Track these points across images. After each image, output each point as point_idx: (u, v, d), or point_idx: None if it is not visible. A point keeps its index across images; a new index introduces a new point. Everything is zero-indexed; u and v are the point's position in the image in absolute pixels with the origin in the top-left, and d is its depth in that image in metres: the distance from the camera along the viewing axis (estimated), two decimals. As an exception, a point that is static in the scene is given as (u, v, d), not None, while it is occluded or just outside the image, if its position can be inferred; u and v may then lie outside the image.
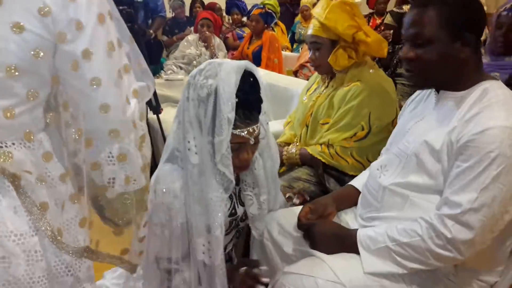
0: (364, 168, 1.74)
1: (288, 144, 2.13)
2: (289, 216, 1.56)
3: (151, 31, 4.29)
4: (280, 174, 1.94)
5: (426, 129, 1.29)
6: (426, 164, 1.25)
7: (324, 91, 1.99)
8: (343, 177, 1.88)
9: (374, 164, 1.49)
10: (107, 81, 0.86)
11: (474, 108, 1.19)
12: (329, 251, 1.36)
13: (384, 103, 1.87)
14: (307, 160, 1.93)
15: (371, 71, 1.93)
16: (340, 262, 1.31)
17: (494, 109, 1.16)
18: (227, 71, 1.26)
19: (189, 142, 1.31)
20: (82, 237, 0.94)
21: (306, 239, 1.46)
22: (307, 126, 2.00)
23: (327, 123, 1.92)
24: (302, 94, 2.16)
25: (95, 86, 0.84)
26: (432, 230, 1.18)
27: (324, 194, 1.87)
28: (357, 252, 1.31)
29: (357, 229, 1.37)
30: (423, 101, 1.43)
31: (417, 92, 1.48)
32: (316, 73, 2.17)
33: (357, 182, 1.59)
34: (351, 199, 1.56)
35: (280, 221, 1.57)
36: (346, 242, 1.35)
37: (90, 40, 0.83)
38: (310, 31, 1.94)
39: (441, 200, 1.22)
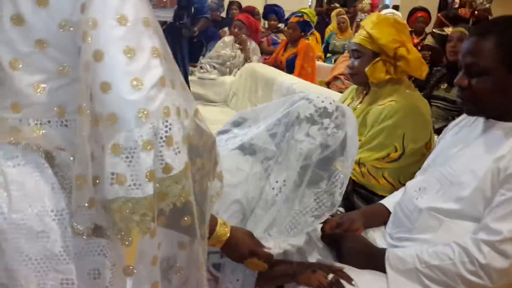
0: (395, 189, 1.72)
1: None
2: (317, 226, 1.56)
3: (195, 29, 4.34)
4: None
5: (472, 157, 1.28)
6: (468, 192, 1.23)
7: (359, 106, 1.98)
8: (371, 197, 1.86)
9: (411, 184, 1.47)
10: (111, 55, 0.77)
11: None
12: (356, 267, 1.34)
13: (419, 125, 1.84)
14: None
15: (407, 91, 1.91)
16: (365, 275, 1.30)
17: None
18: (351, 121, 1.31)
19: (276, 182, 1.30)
20: None
21: (331, 251, 1.45)
22: None
23: (359, 140, 1.91)
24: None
25: (96, 61, 0.76)
26: (466, 255, 1.17)
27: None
28: (384, 271, 1.29)
29: (385, 248, 1.35)
30: (467, 126, 1.41)
31: (462, 116, 1.47)
32: (351, 88, 2.17)
33: (388, 202, 1.57)
34: (380, 217, 1.54)
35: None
36: (374, 260, 1.33)
37: (97, 9, 0.77)
38: (354, 39, 1.96)
39: (479, 226, 1.20)
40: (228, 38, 4.65)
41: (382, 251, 1.33)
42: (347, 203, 1.88)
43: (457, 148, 1.36)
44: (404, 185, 1.55)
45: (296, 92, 3.10)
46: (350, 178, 1.83)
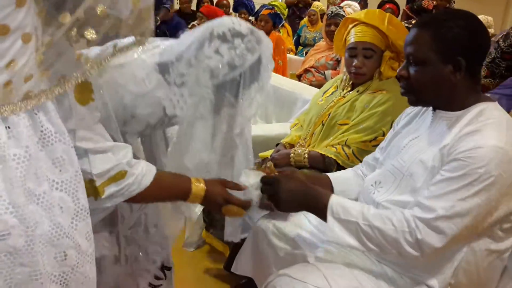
0: None
1: (292, 145, 2.15)
2: (287, 217, 1.58)
3: (157, 18, 4.31)
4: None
5: (421, 148, 1.31)
6: (420, 183, 1.27)
7: (348, 94, 2.00)
8: None
9: (368, 178, 1.50)
10: None
11: (468, 127, 1.22)
12: (291, 209, 1.37)
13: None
14: (317, 162, 1.92)
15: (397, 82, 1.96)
16: (334, 270, 1.32)
17: (488, 129, 1.19)
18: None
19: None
20: None
21: (270, 200, 1.37)
22: (323, 125, 2.00)
23: (345, 124, 1.93)
24: (316, 96, 2.16)
25: None
26: (407, 225, 1.21)
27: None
28: (322, 217, 1.30)
29: (330, 193, 1.34)
30: (417, 117, 1.44)
31: (411, 107, 1.50)
32: (334, 78, 2.19)
33: (334, 176, 1.61)
34: (322, 186, 1.52)
35: (276, 223, 1.57)
36: (313, 203, 1.32)
37: None
38: (365, 38, 1.91)
39: (415, 201, 1.24)
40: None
41: (326, 196, 1.32)
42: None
43: (407, 139, 1.40)
44: None
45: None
46: (335, 161, 1.85)
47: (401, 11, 6.31)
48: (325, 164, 1.90)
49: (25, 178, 0.83)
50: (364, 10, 2.01)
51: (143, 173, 1.16)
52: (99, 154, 1.09)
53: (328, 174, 1.62)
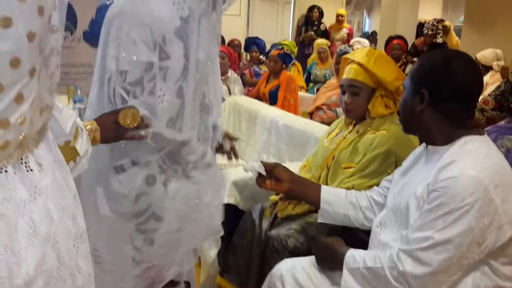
0: None
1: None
2: (302, 264, 1.58)
3: None
4: (293, 217, 1.96)
5: (416, 183, 1.34)
6: (413, 218, 1.29)
7: (348, 136, 2.01)
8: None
9: (375, 221, 1.52)
10: None
11: (450, 158, 1.25)
12: (330, 270, 1.47)
13: (409, 152, 1.89)
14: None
15: (398, 121, 1.96)
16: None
17: (464, 159, 1.22)
18: None
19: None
20: None
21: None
22: (328, 168, 2.02)
23: (350, 167, 1.93)
24: (323, 138, 2.18)
25: None
26: (391, 260, 1.25)
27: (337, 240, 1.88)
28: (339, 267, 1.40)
29: (349, 249, 1.43)
30: (420, 158, 1.47)
31: (417, 148, 1.54)
32: (339, 119, 2.20)
33: (326, 188, 1.69)
34: (309, 191, 1.68)
35: (296, 275, 1.57)
36: (337, 259, 1.41)
37: None
38: (350, 75, 1.95)
39: (401, 237, 1.29)
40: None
41: (344, 252, 1.41)
42: (335, 232, 1.90)
43: (407, 178, 1.44)
44: None
45: (279, 124, 3.15)
46: None
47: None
48: None
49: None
50: (358, 49, 2.05)
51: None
52: (62, 113, 1.15)
53: (323, 186, 1.71)
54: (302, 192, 1.69)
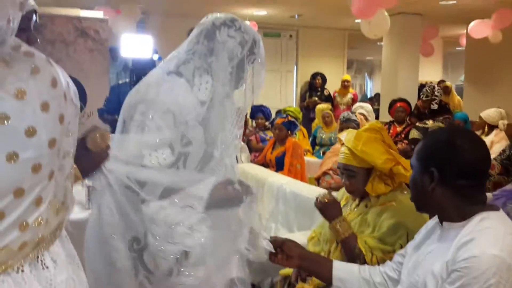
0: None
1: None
2: None
3: None
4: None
5: (433, 261, 1.31)
6: None
7: (356, 209, 2.00)
8: None
9: None
10: None
11: (467, 236, 1.23)
12: None
13: (420, 225, 1.86)
14: (348, 247, 1.86)
15: (405, 192, 1.96)
16: None
17: (483, 237, 1.20)
18: None
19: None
20: None
21: None
22: (338, 242, 1.99)
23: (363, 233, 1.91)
24: None
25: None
26: None
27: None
28: None
29: None
30: (433, 232, 1.45)
31: (430, 221, 1.52)
32: (343, 188, 2.20)
33: (338, 262, 1.64)
34: (319, 268, 1.64)
35: None
36: None
37: None
38: (343, 160, 1.97)
39: None
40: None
41: None
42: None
43: (424, 253, 1.40)
44: None
45: (286, 192, 3.15)
46: (363, 256, 1.81)
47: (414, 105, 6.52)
48: (353, 254, 1.85)
49: None
50: (349, 131, 2.06)
51: None
52: None
53: (334, 262, 1.66)
54: (313, 269, 1.66)
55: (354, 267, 1.65)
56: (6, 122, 0.81)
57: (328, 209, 1.91)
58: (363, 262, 1.82)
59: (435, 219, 1.47)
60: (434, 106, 5.89)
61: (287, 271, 2.10)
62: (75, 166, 1.28)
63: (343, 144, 2.01)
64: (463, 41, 7.98)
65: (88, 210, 2.39)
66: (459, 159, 1.29)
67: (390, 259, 1.80)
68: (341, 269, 1.63)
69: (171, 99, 1.43)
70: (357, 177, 1.93)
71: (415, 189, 1.39)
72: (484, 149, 1.34)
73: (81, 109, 4.29)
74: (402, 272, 1.50)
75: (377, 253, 1.83)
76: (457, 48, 10.75)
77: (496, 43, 6.06)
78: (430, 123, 3.64)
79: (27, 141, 0.84)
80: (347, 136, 2.01)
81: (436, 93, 5.95)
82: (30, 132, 0.84)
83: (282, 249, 1.63)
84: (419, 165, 1.36)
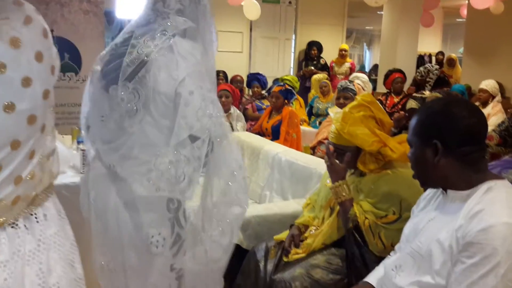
0: (386, 250, 1.74)
1: (306, 226, 2.14)
2: None
3: None
4: (297, 261, 1.94)
5: (437, 228, 1.32)
6: (438, 264, 1.26)
7: (350, 177, 2.01)
8: (363, 246, 1.84)
9: (388, 263, 1.49)
10: None
11: (478, 205, 1.23)
12: None
13: (414, 195, 1.87)
14: (344, 209, 1.89)
15: (399, 163, 1.97)
16: None
17: (497, 206, 1.20)
18: None
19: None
20: None
21: None
22: (332, 209, 2.01)
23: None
24: (325, 177, 2.17)
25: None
26: None
27: (341, 283, 1.85)
28: None
29: None
30: (434, 199, 1.46)
31: (428, 190, 1.52)
32: None
33: (373, 278, 1.57)
34: None
35: None
36: None
37: None
38: (333, 139, 1.99)
39: None
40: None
41: None
42: (337, 274, 1.88)
43: (424, 221, 1.41)
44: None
45: (282, 160, 3.16)
46: (356, 219, 1.83)
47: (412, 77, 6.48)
48: (347, 216, 1.88)
49: None
50: (337, 113, 2.04)
51: None
52: None
53: (367, 279, 1.59)
54: None
55: (379, 270, 1.60)
56: (2, 71, 0.81)
57: (335, 170, 1.93)
58: (355, 224, 1.84)
59: (434, 189, 1.48)
60: (428, 88, 5.88)
61: (281, 236, 2.12)
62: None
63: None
64: (464, 11, 7.86)
65: (82, 175, 2.38)
66: (460, 126, 1.29)
67: (382, 224, 1.83)
68: (375, 280, 1.57)
69: None
70: (347, 155, 1.94)
71: (418, 165, 1.37)
72: (480, 113, 1.34)
73: (76, 73, 4.23)
74: (401, 240, 1.51)
75: (370, 216, 1.85)
76: (457, 20, 10.63)
77: (497, 15, 5.98)
78: (427, 93, 3.62)
79: (23, 92, 0.84)
80: (335, 115, 2.02)
81: (431, 75, 5.91)
82: (26, 82, 0.84)
83: None
84: (418, 140, 1.34)
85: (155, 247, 1.36)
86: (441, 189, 1.39)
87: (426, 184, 1.44)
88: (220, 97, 4.91)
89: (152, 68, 1.33)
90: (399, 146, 1.92)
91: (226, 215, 1.46)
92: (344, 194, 1.90)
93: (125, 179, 1.36)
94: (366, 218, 1.85)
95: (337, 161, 1.93)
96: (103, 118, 1.41)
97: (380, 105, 2.11)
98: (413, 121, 1.38)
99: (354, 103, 2.02)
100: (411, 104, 3.95)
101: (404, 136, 1.94)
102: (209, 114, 1.34)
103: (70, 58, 4.19)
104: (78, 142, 2.79)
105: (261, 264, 1.98)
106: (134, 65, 1.34)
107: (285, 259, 1.97)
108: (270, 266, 1.96)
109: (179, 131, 1.31)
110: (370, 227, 1.83)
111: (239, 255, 2.22)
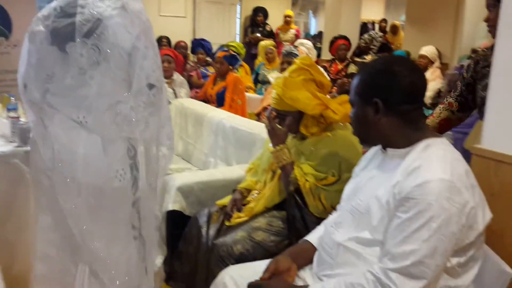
0: (326, 211, 1.77)
1: (249, 190, 2.14)
2: (245, 272, 1.55)
3: None
4: (240, 224, 1.94)
5: (376, 185, 1.34)
6: (376, 220, 1.28)
7: (292, 140, 2.02)
8: (304, 208, 1.87)
9: (328, 220, 1.52)
10: None
11: (415, 162, 1.25)
12: None
13: (353, 157, 1.89)
14: (285, 173, 1.91)
15: (340, 124, 1.98)
16: None
17: (434, 163, 1.22)
18: None
19: None
20: None
21: None
22: (273, 172, 2.01)
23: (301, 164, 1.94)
24: (267, 142, 2.17)
25: None
26: (379, 283, 1.20)
27: (282, 244, 1.87)
28: None
29: (308, 285, 1.38)
30: (374, 158, 1.48)
31: (370, 150, 1.54)
32: None
33: (313, 237, 1.59)
34: (307, 255, 1.54)
35: (238, 282, 1.54)
36: None
37: None
38: (274, 105, 1.98)
39: (382, 252, 1.24)
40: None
41: None
42: (279, 236, 1.90)
43: (364, 180, 1.43)
44: (335, 209, 1.59)
45: (226, 127, 3.12)
46: (297, 182, 1.84)
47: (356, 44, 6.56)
48: (288, 179, 1.90)
49: None
50: (277, 78, 2.03)
51: None
52: None
53: (307, 238, 1.59)
54: (306, 257, 1.55)
55: (320, 229, 1.60)
56: None
57: (276, 135, 1.94)
58: (296, 187, 1.86)
59: (374, 149, 1.49)
60: (372, 55, 5.99)
61: (224, 201, 2.11)
62: None
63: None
64: (406, -21, 7.99)
65: (13, 143, 2.25)
66: (400, 84, 1.30)
67: (322, 185, 1.85)
68: (317, 239, 1.56)
69: None
70: (289, 118, 1.94)
71: (359, 123, 1.38)
72: (420, 72, 1.36)
73: (6, 37, 3.95)
74: (342, 199, 1.53)
75: (310, 179, 1.87)
76: (400, -13, 10.78)
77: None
78: (368, 58, 3.66)
79: None
80: (275, 80, 2.00)
81: (375, 42, 6.01)
82: None
83: (279, 272, 1.49)
84: (359, 99, 1.35)
85: (118, 180, 1.51)
86: (381, 147, 1.41)
87: (366, 142, 1.46)
88: (162, 62, 4.77)
89: (110, 24, 1.45)
90: (340, 107, 1.93)
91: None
92: (285, 158, 1.91)
93: (93, 128, 1.49)
94: (306, 180, 1.86)
95: (278, 126, 1.93)
96: (48, 75, 1.49)
97: (319, 67, 2.10)
98: (355, 81, 1.38)
99: (293, 67, 2.00)
100: (352, 68, 3.99)
101: (344, 97, 1.95)
102: (159, 66, 1.55)
103: (0, 23, 3.90)
104: (8, 110, 2.63)
105: (203, 230, 1.97)
106: (90, 23, 1.44)
107: (227, 223, 1.96)
108: (212, 231, 1.95)
109: (138, 81, 1.49)
110: (311, 189, 1.85)
111: (182, 222, 2.19)
